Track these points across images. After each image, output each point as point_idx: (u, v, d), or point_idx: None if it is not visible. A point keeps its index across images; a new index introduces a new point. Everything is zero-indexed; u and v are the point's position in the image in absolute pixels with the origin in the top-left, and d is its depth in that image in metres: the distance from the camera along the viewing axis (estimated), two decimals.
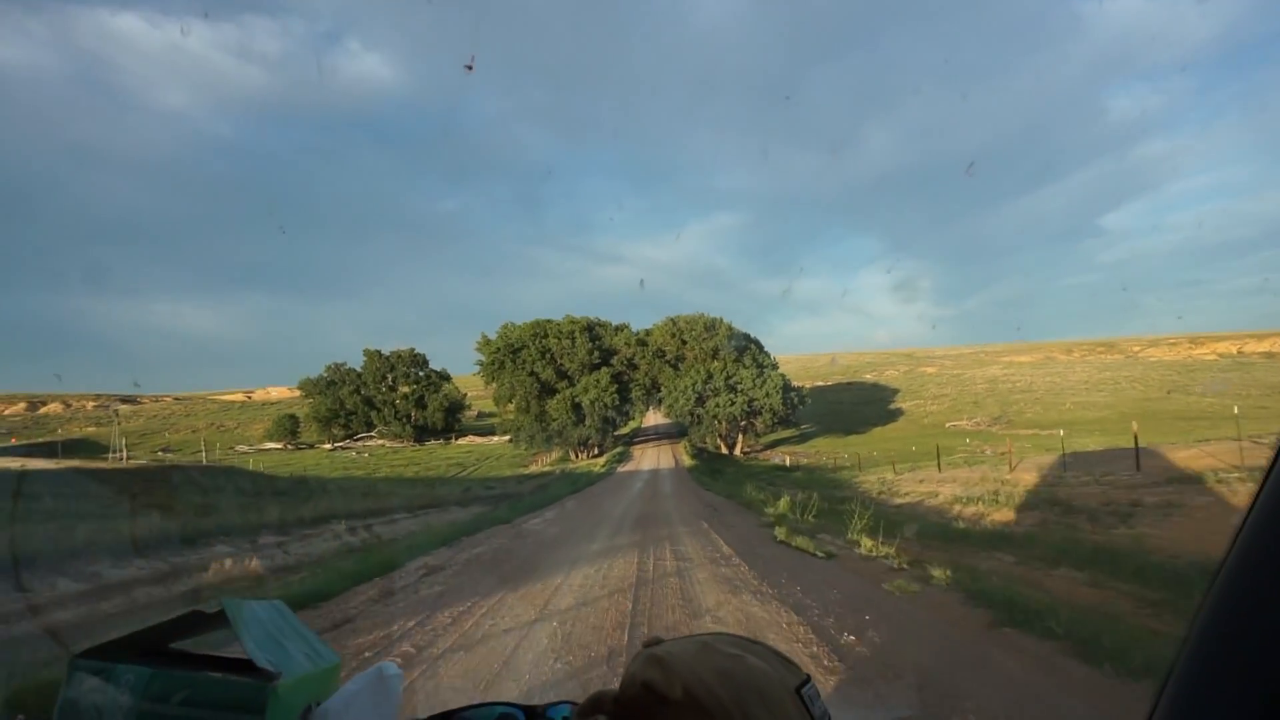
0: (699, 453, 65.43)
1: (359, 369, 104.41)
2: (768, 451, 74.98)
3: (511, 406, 71.56)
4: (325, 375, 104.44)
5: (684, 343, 70.54)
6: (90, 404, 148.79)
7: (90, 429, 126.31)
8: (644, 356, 70.31)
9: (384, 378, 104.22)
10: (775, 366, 69.86)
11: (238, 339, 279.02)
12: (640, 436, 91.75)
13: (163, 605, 9.81)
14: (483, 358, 70.53)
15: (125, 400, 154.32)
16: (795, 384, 72.50)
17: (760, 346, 71.69)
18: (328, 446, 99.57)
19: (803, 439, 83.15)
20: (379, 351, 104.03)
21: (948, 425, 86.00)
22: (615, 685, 0.85)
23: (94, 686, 0.91)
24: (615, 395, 66.71)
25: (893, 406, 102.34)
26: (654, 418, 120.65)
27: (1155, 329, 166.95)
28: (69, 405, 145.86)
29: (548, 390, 68.28)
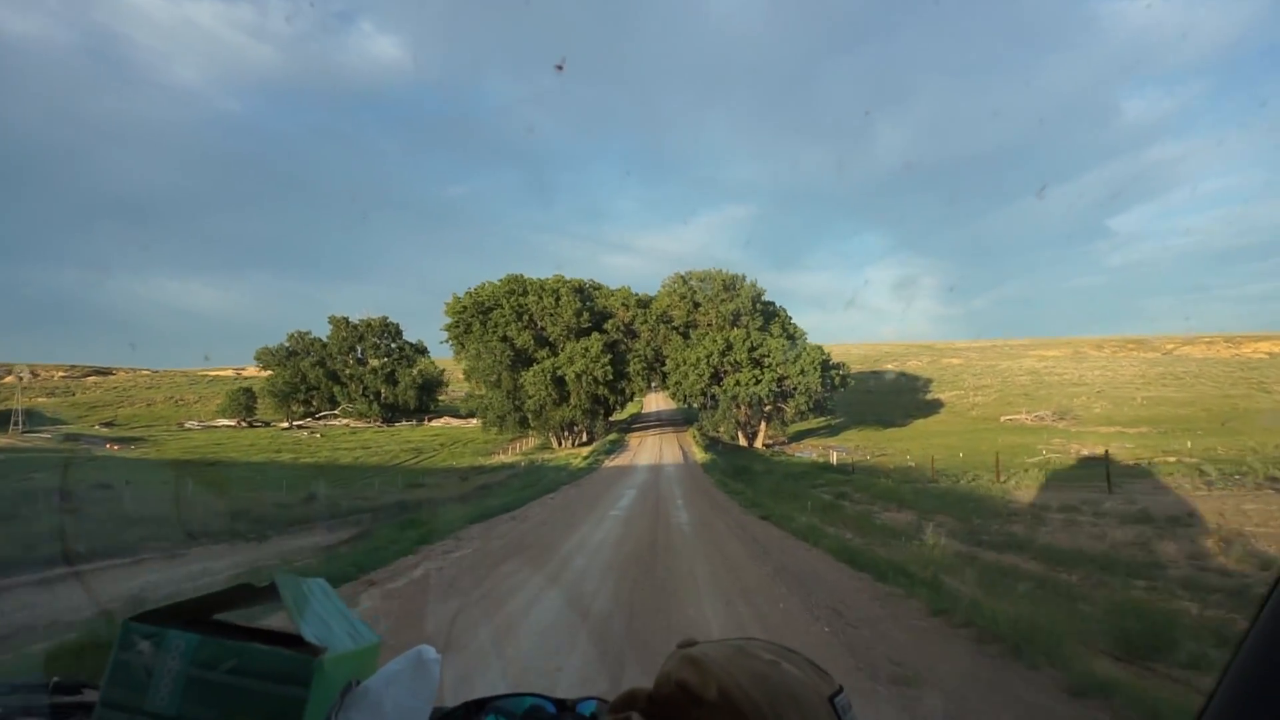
0: (712, 443, 49.33)
1: (325, 339, 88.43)
2: (795, 445, 58.82)
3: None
4: (286, 345, 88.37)
5: (696, 305, 54.13)
6: (60, 374, 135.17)
7: (41, 399, 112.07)
8: (645, 321, 53.95)
9: (351, 349, 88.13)
10: (806, 338, 53.53)
11: (243, 318, 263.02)
12: (639, 423, 75.46)
13: None
14: (449, 320, 54.14)
15: (99, 372, 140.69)
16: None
17: (788, 315, 55.33)
18: (284, 425, 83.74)
19: (831, 431, 67.21)
20: (346, 319, 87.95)
21: (1003, 419, 69.90)
22: (648, 684, 0.82)
23: (144, 650, 0.90)
24: (608, 368, 50.42)
25: (929, 397, 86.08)
26: (656, 402, 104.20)
27: (1162, 331, 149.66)
28: (36, 375, 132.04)
29: (523, 359, 51.98)
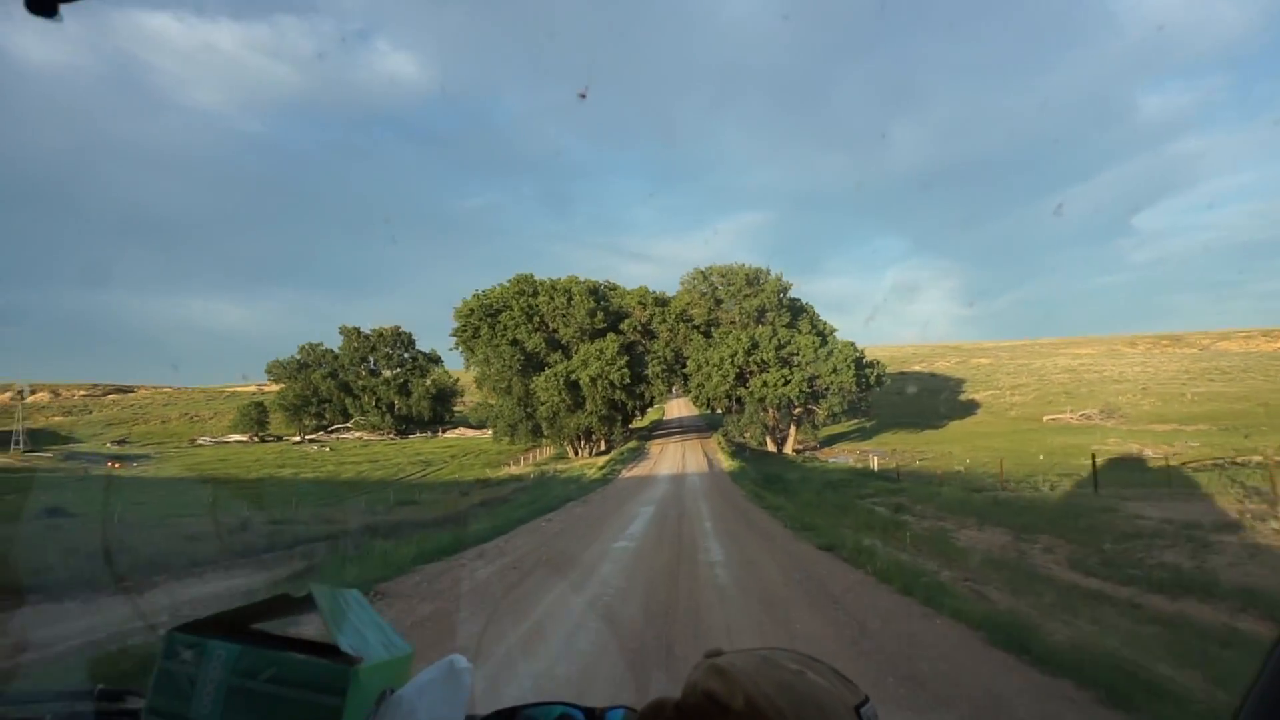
0: (738, 450, 45.05)
1: (337, 350, 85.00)
2: (827, 449, 54.28)
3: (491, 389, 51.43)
4: (297, 357, 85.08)
5: (718, 302, 49.81)
6: (81, 393, 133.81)
7: (58, 418, 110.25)
8: (664, 321, 49.71)
9: (364, 360, 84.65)
10: (836, 335, 48.93)
11: (267, 334, 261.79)
12: (661, 430, 71.16)
13: None
14: (458, 324, 50.16)
15: (121, 390, 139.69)
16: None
17: (817, 312, 50.83)
18: (295, 439, 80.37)
19: (863, 434, 62.59)
20: (358, 329, 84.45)
21: (1045, 419, 64.93)
22: (674, 693, 0.83)
23: (188, 659, 0.92)
24: (625, 371, 46.22)
25: (963, 398, 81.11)
26: (678, 408, 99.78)
27: (1189, 327, 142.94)
28: (58, 395, 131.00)
29: (534, 364, 47.93)
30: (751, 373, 45.60)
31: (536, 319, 48.50)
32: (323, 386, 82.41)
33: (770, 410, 47.14)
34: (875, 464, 37.71)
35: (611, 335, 47.68)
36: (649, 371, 48.26)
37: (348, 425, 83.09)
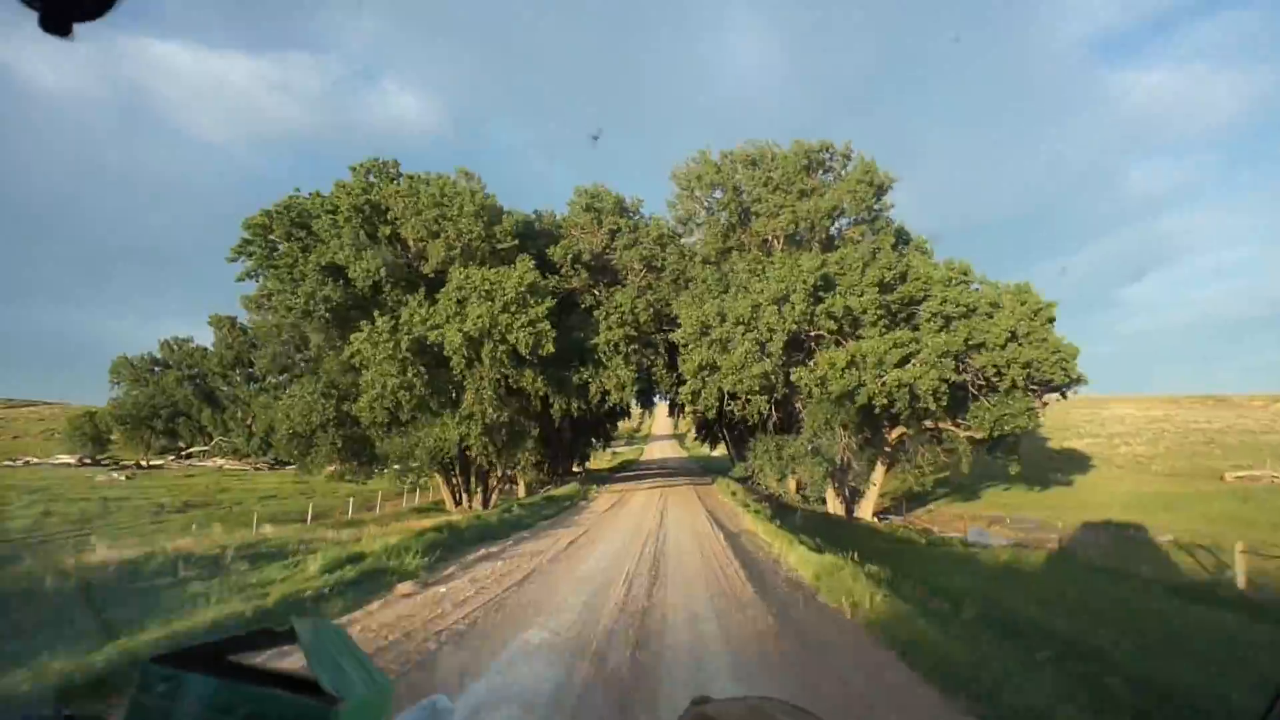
0: (781, 511, 19.26)
1: (210, 348, 59.01)
2: (923, 515, 28.33)
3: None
4: (156, 355, 58.97)
5: (745, 214, 24.18)
6: None
7: None
8: (633, 245, 23.94)
9: (239, 361, 58.30)
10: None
11: None
12: (632, 472, 44.69)
13: None
14: (245, 235, 23.96)
15: (28, 405, 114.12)
16: None
17: (929, 247, 25.07)
18: (128, 462, 53.62)
19: (957, 493, 36.77)
20: (233, 319, 58.04)
21: (1230, 478, 39.29)
22: None
23: (163, 692, 0.85)
24: (546, 329, 20.24)
25: (1055, 446, 55.39)
26: (663, 450, 73.53)
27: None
28: None
29: (361, 310, 21.96)
30: (818, 340, 19.82)
31: (387, 230, 22.74)
32: (177, 394, 56.39)
33: (838, 429, 21.25)
34: (1240, 575, 11.82)
35: (525, 259, 21.77)
36: (599, 341, 22.26)
37: (206, 448, 56.76)
